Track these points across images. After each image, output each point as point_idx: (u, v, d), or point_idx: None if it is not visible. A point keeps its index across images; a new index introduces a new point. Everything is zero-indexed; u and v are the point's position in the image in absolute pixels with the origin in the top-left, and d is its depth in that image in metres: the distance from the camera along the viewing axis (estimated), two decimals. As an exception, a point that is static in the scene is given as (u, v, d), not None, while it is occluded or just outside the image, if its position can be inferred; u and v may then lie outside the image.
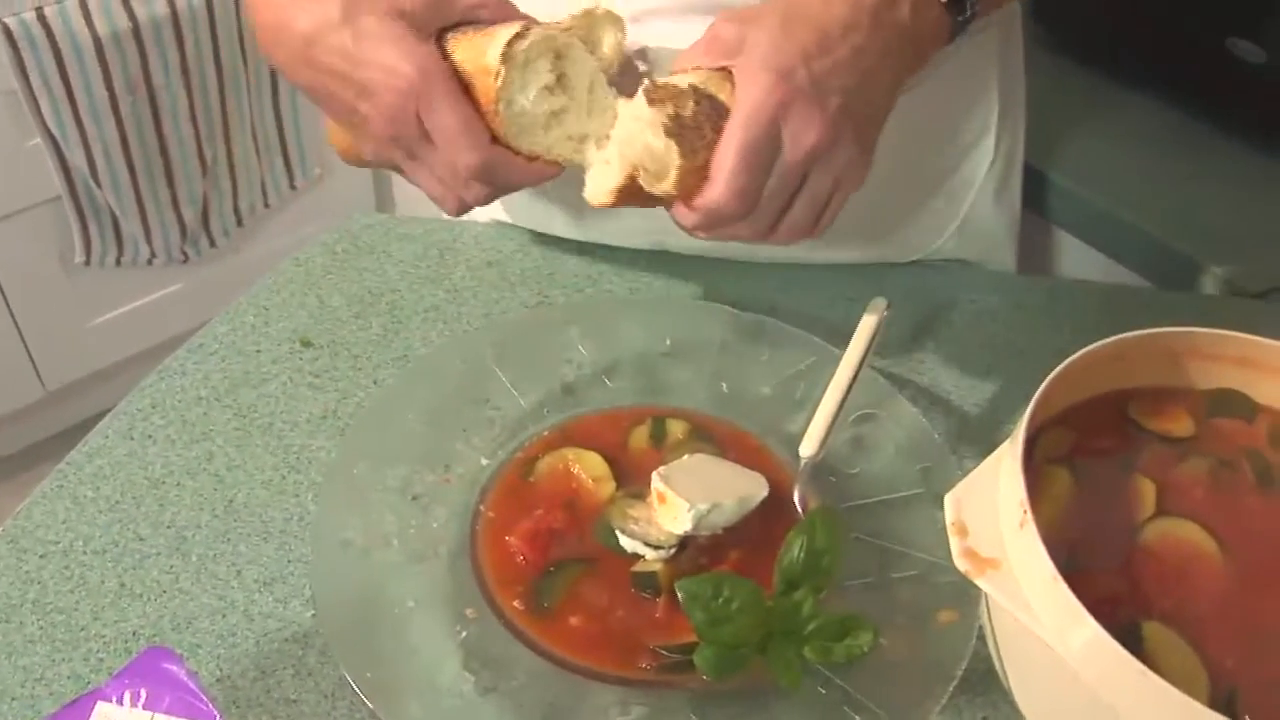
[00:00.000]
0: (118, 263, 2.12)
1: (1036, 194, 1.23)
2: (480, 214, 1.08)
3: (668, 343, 0.89)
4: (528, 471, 0.80)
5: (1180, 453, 0.72)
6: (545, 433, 0.82)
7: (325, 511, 0.77)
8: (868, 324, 0.84)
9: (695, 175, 0.69)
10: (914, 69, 0.75)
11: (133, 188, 2.02)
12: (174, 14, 1.92)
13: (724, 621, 0.67)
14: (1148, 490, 0.70)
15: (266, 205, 2.29)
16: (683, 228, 0.73)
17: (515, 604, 0.72)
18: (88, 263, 2.08)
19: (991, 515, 0.65)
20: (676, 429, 0.82)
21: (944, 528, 0.67)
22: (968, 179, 1.02)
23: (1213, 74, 1.28)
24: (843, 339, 0.83)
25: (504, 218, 1.06)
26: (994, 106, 1.01)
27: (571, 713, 0.68)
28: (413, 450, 0.81)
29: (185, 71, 1.99)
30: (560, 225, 1.03)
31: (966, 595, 0.71)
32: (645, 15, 0.86)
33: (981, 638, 0.71)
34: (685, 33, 0.86)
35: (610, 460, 0.80)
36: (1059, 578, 0.59)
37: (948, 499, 0.66)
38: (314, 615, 0.75)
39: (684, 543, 0.74)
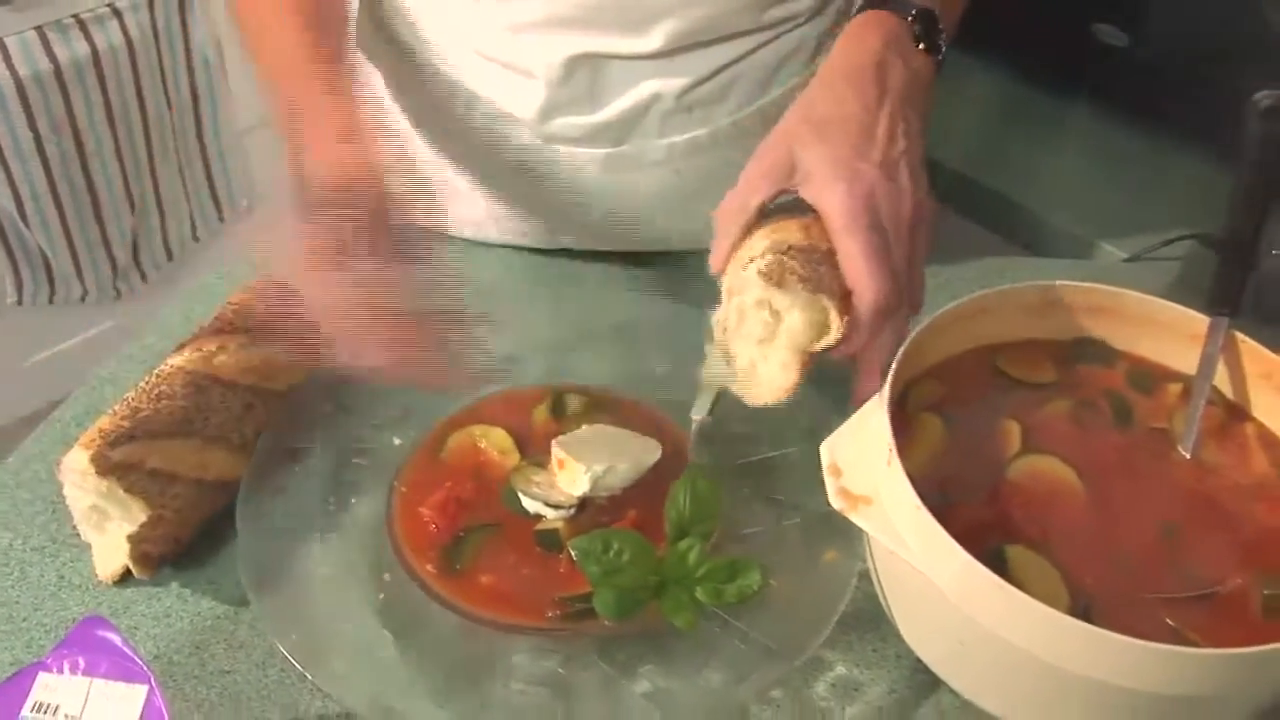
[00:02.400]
0: (50, 301, 2.15)
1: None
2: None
3: (571, 328, 0.95)
4: (439, 449, 0.85)
5: (1044, 397, 0.80)
6: (455, 413, 0.88)
7: (251, 497, 0.81)
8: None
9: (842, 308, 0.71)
10: (929, 105, 0.80)
11: (62, 227, 2.05)
12: (95, 56, 1.96)
13: (616, 572, 0.73)
14: (1013, 431, 0.77)
15: (196, 239, 2.33)
16: (842, 355, 0.74)
17: (429, 568, 0.78)
18: (20, 302, 2.10)
19: (864, 458, 0.71)
20: (575, 402, 0.89)
21: (827, 476, 0.74)
22: None
23: (1081, 57, 1.36)
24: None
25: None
26: None
27: (487, 664, 0.74)
28: (331, 438, 0.86)
29: (109, 111, 2.03)
30: (468, 229, 1.09)
31: (848, 536, 0.78)
32: (591, 25, 0.93)
33: (868, 576, 0.78)
34: (629, 45, 0.93)
35: (515, 435, 0.86)
36: (922, 507, 0.66)
37: (824, 445, 0.73)
38: (244, 592, 0.80)
39: (584, 503, 0.80)
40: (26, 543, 0.84)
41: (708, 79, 0.96)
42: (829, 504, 0.79)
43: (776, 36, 0.97)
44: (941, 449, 0.76)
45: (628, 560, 0.73)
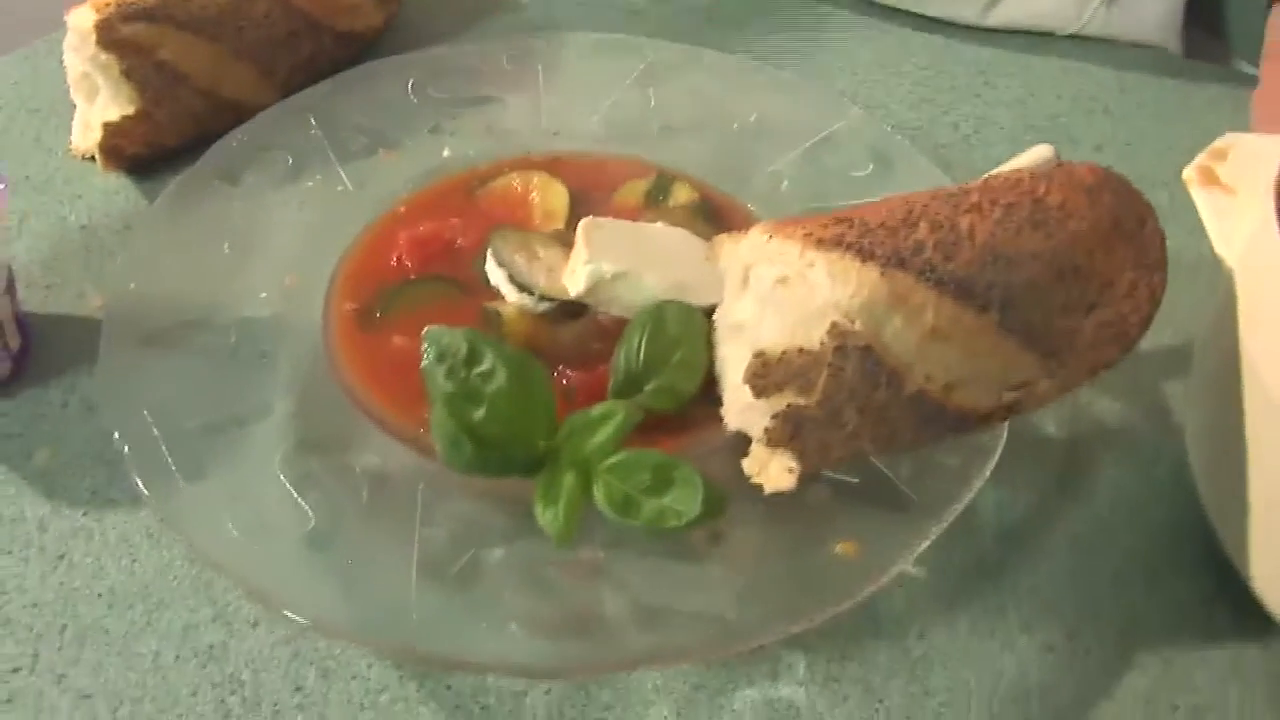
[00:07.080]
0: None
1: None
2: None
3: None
4: (481, 183, 0.63)
5: None
6: (535, 154, 0.65)
7: (245, 133, 0.65)
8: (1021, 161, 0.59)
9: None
10: None
11: None
12: None
13: (468, 400, 0.47)
14: None
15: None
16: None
17: (348, 305, 0.57)
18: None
19: (1254, 171, 0.51)
20: (682, 194, 0.62)
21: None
22: None
23: None
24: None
25: None
26: None
27: (344, 442, 0.52)
28: (377, 115, 0.68)
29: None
30: None
31: (894, 533, 0.48)
32: None
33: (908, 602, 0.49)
34: None
35: (580, 201, 0.61)
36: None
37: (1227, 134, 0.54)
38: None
39: (574, 309, 0.54)
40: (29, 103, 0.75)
41: None
42: (906, 482, 0.50)
43: None
44: None
45: (495, 390, 0.46)
